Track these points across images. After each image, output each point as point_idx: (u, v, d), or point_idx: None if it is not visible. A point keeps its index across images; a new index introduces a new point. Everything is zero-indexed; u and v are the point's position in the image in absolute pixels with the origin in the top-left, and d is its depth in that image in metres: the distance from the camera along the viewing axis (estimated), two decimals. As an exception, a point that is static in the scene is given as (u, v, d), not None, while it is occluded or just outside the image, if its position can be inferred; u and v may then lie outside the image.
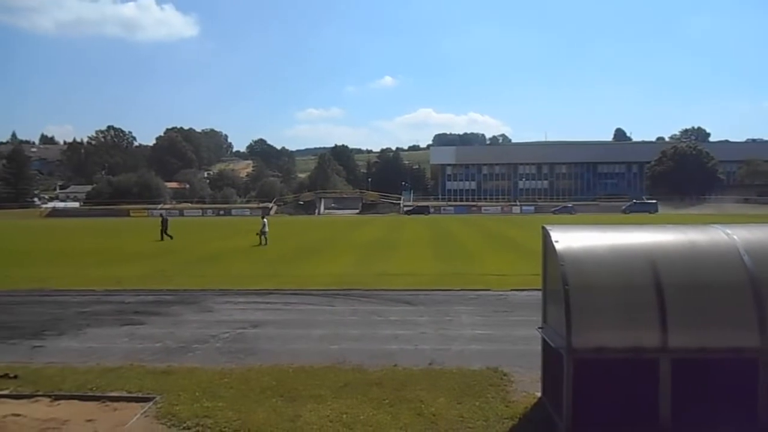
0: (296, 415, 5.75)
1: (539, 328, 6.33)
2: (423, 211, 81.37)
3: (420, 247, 26.53)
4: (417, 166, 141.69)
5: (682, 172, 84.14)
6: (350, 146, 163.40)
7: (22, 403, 6.19)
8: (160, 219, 34.37)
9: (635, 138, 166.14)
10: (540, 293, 6.59)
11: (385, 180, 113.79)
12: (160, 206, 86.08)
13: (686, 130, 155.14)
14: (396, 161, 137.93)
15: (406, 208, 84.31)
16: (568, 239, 5.63)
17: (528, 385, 6.56)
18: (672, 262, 5.37)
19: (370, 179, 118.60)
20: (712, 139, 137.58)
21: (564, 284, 5.14)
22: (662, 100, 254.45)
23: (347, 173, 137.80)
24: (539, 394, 6.24)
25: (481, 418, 5.74)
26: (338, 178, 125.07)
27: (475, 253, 23.21)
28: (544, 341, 6.10)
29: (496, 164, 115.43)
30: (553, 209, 78.06)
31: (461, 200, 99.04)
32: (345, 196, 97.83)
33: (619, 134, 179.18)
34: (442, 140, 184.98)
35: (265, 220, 29.09)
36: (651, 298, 5.11)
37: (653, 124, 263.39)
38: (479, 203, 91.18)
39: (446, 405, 6.02)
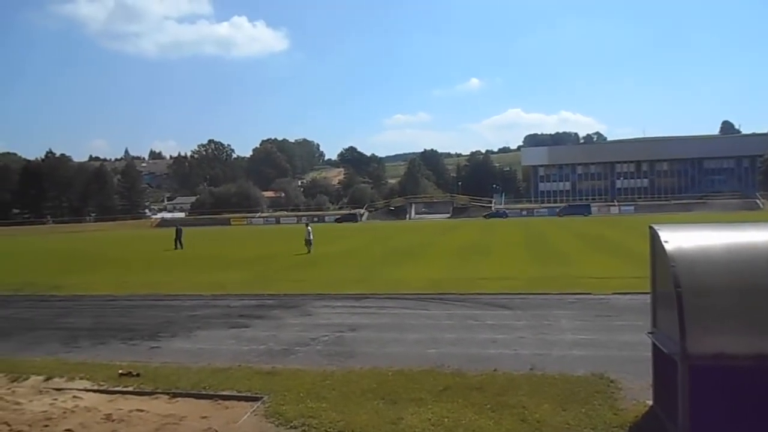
0: (398, 418, 5.80)
1: (649, 332, 6.02)
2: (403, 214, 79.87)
3: (514, 250, 26.03)
4: (508, 168, 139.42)
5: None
6: (439, 150, 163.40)
7: (144, 399, 6.65)
8: (175, 229, 36.17)
9: (745, 130, 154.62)
10: (645, 297, 6.29)
11: (476, 183, 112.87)
12: (258, 214, 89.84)
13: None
14: (486, 164, 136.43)
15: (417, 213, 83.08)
16: (679, 239, 5.33)
17: (637, 393, 6.25)
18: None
19: (459, 183, 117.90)
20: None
21: (676, 286, 4.87)
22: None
23: (437, 177, 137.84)
24: (650, 402, 5.93)
25: (588, 426, 5.53)
26: (428, 182, 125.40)
27: (572, 256, 22.47)
28: (655, 347, 5.79)
29: (591, 163, 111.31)
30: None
31: (555, 201, 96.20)
32: (435, 200, 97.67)
33: (727, 127, 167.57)
34: (532, 141, 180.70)
35: (309, 228, 29.19)
36: (776, 302, 4.73)
37: (765, 114, 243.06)
38: (574, 204, 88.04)
39: (551, 411, 5.85)
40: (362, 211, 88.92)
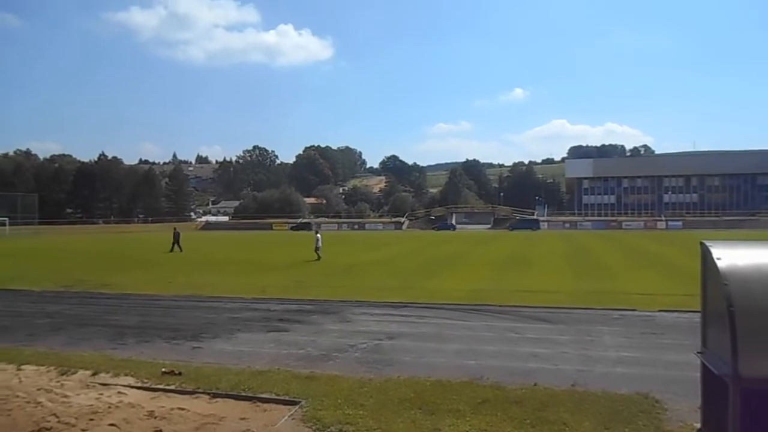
0: (435, 429, 5.74)
1: (698, 352, 5.81)
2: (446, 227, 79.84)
3: (556, 263, 25.59)
4: (551, 180, 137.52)
5: None
6: (481, 160, 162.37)
7: (185, 398, 6.77)
8: (173, 232, 37.07)
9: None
10: (693, 315, 6.11)
11: (518, 194, 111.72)
12: (299, 220, 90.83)
13: None
14: (529, 175, 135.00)
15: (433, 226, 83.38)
16: (732, 256, 5.13)
17: (685, 415, 6.03)
18: None
19: (501, 194, 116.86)
20: None
21: (729, 305, 4.68)
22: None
23: (478, 188, 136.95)
24: (698, 426, 5.70)
25: (632, 446, 5.37)
26: (469, 192, 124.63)
27: (617, 271, 21.93)
28: (704, 367, 5.58)
29: (638, 177, 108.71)
30: (508, 224, 76.00)
31: (599, 215, 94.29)
32: (476, 210, 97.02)
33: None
34: (577, 152, 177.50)
35: (318, 235, 29.33)
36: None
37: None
38: (620, 218, 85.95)
39: (592, 430, 5.70)
40: (403, 219, 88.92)
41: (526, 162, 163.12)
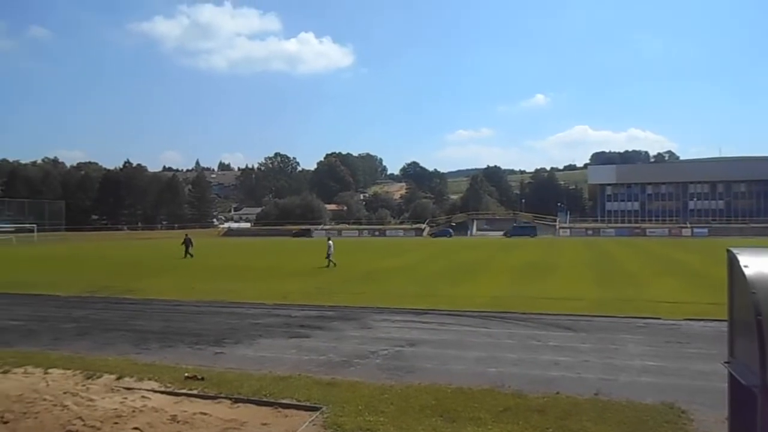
0: (456, 436, 5.72)
1: (725, 362, 5.70)
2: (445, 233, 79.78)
3: (579, 270, 25.31)
4: (573, 187, 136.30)
5: None
6: (502, 167, 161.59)
7: (207, 403, 6.83)
8: (184, 238, 37.36)
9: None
10: (720, 324, 5.99)
11: (540, 201, 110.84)
12: (320, 227, 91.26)
13: None
14: (551, 181, 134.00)
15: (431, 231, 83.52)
16: (760, 264, 5.03)
17: (711, 426, 5.92)
18: None
19: (523, 200, 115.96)
20: None
21: (756, 314, 4.59)
22: None
23: (499, 194, 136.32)
24: (725, 437, 5.60)
25: (657, 456, 5.28)
26: (490, 199, 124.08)
27: (641, 279, 21.61)
28: (731, 377, 5.47)
29: (663, 183, 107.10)
30: (504, 231, 76.35)
31: (623, 221, 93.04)
32: (497, 217, 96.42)
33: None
34: (600, 159, 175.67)
35: (330, 242, 29.47)
36: None
37: None
38: (643, 225, 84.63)
39: (616, 439, 5.63)
40: (423, 226, 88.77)
41: (548, 168, 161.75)
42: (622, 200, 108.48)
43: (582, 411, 6.41)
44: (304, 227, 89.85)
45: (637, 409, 6.50)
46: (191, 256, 35.27)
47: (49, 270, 28.26)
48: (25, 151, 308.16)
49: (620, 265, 28.18)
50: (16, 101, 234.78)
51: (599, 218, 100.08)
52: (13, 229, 72.11)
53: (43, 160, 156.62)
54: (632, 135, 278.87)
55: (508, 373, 8.28)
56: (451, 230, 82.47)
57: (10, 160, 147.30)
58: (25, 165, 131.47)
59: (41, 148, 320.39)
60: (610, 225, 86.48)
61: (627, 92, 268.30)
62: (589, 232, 78.99)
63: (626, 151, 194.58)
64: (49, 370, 8.08)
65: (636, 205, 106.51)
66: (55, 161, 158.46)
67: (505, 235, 75.90)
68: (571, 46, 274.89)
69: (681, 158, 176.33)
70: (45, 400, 6.65)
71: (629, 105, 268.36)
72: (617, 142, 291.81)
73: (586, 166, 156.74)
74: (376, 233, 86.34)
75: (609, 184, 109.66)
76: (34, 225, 71.65)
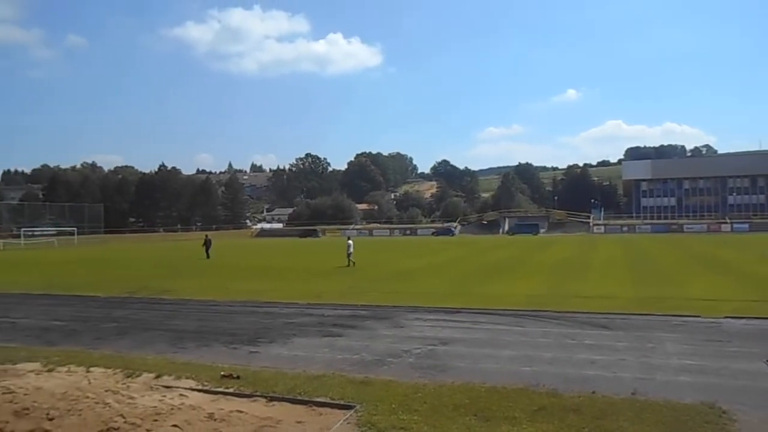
0: (491, 436, 5.69)
1: (767, 361, 5.57)
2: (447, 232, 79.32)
3: (614, 268, 24.90)
4: (607, 183, 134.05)
5: None
6: (534, 164, 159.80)
7: (243, 401, 6.94)
8: (205, 239, 38.11)
9: None
10: (763, 322, 5.87)
11: (573, 198, 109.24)
12: (351, 226, 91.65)
13: None
14: (584, 178, 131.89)
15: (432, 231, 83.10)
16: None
17: (755, 427, 5.78)
18: None
19: (556, 197, 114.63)
20: None
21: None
22: None
23: (531, 192, 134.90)
24: (769, 437, 5.47)
25: (697, 457, 5.17)
26: (522, 196, 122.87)
27: (679, 276, 21.16)
28: (774, 376, 5.34)
29: (700, 178, 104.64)
30: (507, 229, 76.34)
31: (659, 218, 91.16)
32: (530, 215, 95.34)
33: None
34: (634, 154, 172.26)
35: (350, 241, 29.52)
36: None
37: None
38: (680, 221, 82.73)
39: (654, 439, 5.53)
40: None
41: (581, 164, 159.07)
42: (658, 196, 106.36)
43: (619, 411, 6.32)
44: (309, 228, 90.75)
45: (676, 409, 6.37)
46: (207, 256, 35.80)
47: (89, 272, 29.03)
48: (65, 157, 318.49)
49: (657, 262, 27.64)
50: (56, 108, 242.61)
51: (634, 214, 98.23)
52: (54, 232, 74.21)
53: (82, 165, 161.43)
54: (668, 129, 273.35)
55: (543, 372, 8.21)
56: (453, 229, 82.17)
57: (51, 165, 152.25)
58: (65, 170, 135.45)
59: (80, 153, 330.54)
60: (645, 221, 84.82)
61: (662, 85, 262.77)
62: (624, 228, 77.55)
63: (662, 146, 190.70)
64: (91, 369, 8.31)
65: (672, 201, 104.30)
66: (93, 166, 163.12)
67: (507, 233, 76.19)
68: (604, 39, 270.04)
69: (719, 152, 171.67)
70: (88, 397, 6.83)
71: (664, 98, 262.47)
72: (652, 136, 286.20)
73: (620, 161, 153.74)
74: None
75: (644, 180, 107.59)
76: (75, 228, 73.58)
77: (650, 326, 11.56)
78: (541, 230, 79.39)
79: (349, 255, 28.14)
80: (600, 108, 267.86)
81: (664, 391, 7.10)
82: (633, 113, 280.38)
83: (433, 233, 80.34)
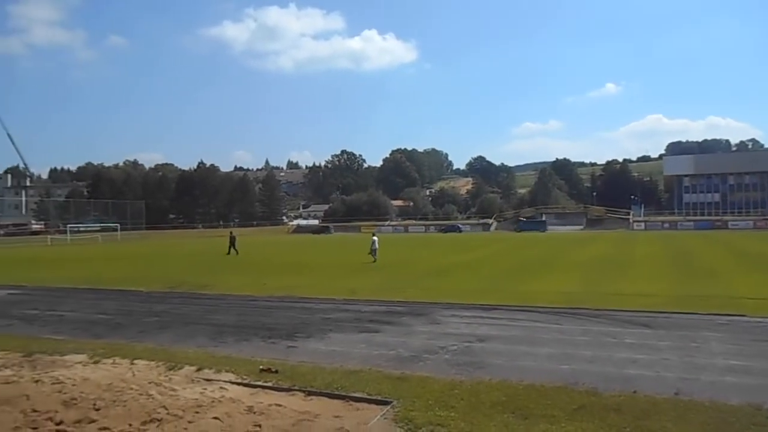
0: (529, 434, 5.64)
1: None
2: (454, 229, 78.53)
3: (655, 266, 24.34)
4: (648, 178, 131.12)
5: None
6: (572, 159, 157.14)
7: (282, 395, 7.04)
8: (230, 235, 38.31)
9: None
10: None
11: (612, 194, 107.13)
12: (387, 223, 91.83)
13: None
14: (623, 173, 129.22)
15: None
16: None
17: (805, 429, 5.58)
18: None
19: (594, 193, 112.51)
20: None
21: None
22: None
23: (569, 188, 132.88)
24: (821, 441, 5.27)
25: (744, 460, 5.03)
26: (560, 193, 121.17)
27: (723, 274, 20.54)
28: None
29: (746, 173, 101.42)
30: (515, 226, 76.27)
31: (702, 214, 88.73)
32: (567, 211, 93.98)
33: None
34: (676, 149, 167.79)
35: (375, 238, 29.48)
36: None
37: None
38: (725, 217, 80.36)
39: (699, 441, 5.40)
40: (491, 221, 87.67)
41: (620, 160, 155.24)
42: (701, 192, 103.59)
43: (661, 411, 6.18)
44: (322, 225, 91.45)
45: (721, 410, 6.20)
46: (236, 252, 36.21)
47: (132, 267, 29.80)
48: (108, 155, 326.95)
49: (700, 260, 26.92)
50: (99, 108, 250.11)
51: (676, 211, 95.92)
52: (98, 228, 76.64)
53: (124, 163, 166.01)
54: (711, 123, 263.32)
55: (582, 370, 8.08)
56: (460, 226, 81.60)
57: (95, 163, 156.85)
58: (109, 168, 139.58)
59: (122, 152, 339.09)
60: (688, 218, 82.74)
61: (705, 78, 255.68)
62: (666, 225, 75.81)
63: (705, 140, 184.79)
64: (135, 361, 8.54)
65: (716, 197, 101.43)
66: (135, 163, 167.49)
67: (515, 230, 75.87)
68: (644, 31, 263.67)
69: (766, 146, 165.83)
70: (132, 389, 7.03)
71: (707, 91, 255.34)
72: (695, 130, 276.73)
73: (661, 156, 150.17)
74: (443, 228, 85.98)
75: (687, 175, 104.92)
76: (118, 224, 75.71)
77: (694, 325, 11.26)
78: (578, 226, 78.24)
79: (373, 251, 28.20)
80: (640, 102, 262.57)
81: (709, 392, 6.91)
82: (675, 107, 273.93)
83: (440, 230, 79.98)
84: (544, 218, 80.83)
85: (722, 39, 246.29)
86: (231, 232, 40.39)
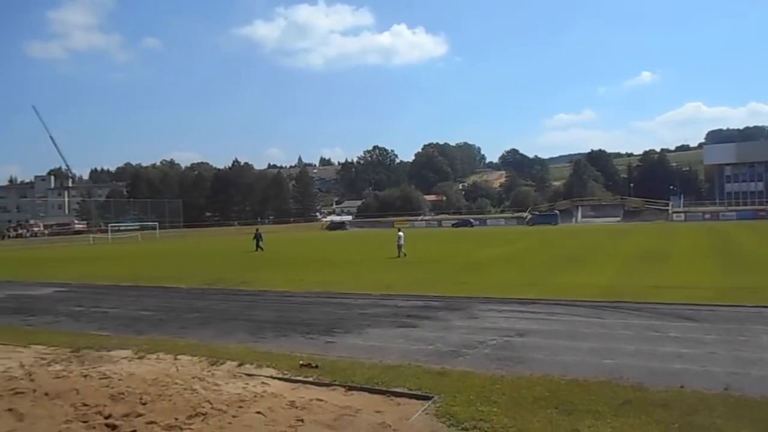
0: (574, 429, 5.54)
1: None
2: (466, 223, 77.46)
3: (697, 257, 23.73)
4: (687, 168, 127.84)
5: None
6: (607, 150, 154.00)
7: (322, 390, 7.08)
8: (255, 232, 38.61)
9: None
10: None
11: (650, 184, 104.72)
12: (420, 218, 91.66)
13: None
14: (661, 163, 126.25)
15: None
16: None
17: None
18: None
19: (631, 184, 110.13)
20: None
21: None
22: None
23: (605, 179, 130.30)
24: None
25: (801, 457, 4.86)
26: (595, 184, 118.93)
27: (771, 265, 19.90)
28: None
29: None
30: (526, 220, 74.66)
31: (744, 204, 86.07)
32: (603, 203, 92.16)
33: None
34: (716, 137, 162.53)
35: (400, 233, 29.38)
36: None
37: None
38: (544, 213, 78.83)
39: (752, 437, 5.24)
40: (525, 214, 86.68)
41: (658, 150, 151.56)
42: (744, 181, 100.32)
43: (710, 406, 6.01)
44: (338, 221, 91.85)
45: (775, 406, 6.00)
46: (262, 249, 36.59)
47: (171, 264, 30.43)
48: (146, 155, 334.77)
49: (745, 250, 26.15)
50: (136, 109, 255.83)
51: (717, 201, 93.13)
52: (138, 227, 78.44)
53: (161, 163, 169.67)
54: (753, 109, 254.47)
55: (626, 365, 7.93)
56: (472, 220, 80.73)
57: (133, 163, 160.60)
58: (146, 168, 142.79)
59: (159, 151, 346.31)
60: (730, 208, 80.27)
61: (745, 63, 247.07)
62: (707, 216, 73.69)
63: (746, 128, 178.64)
64: (178, 357, 8.70)
65: (760, 186, 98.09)
66: (171, 163, 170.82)
67: (527, 223, 75.02)
68: (679, 16, 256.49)
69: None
70: (176, 384, 7.17)
71: (748, 77, 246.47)
72: (736, 118, 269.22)
73: (700, 145, 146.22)
74: (477, 222, 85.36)
75: (728, 164, 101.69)
76: (156, 223, 77.29)
77: (741, 318, 10.95)
78: (615, 218, 76.81)
79: (399, 246, 28.22)
80: (677, 90, 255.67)
81: (761, 387, 6.70)
82: (714, 94, 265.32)
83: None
84: (556, 212, 79.42)
85: (761, 21, 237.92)
86: (257, 229, 40.91)
